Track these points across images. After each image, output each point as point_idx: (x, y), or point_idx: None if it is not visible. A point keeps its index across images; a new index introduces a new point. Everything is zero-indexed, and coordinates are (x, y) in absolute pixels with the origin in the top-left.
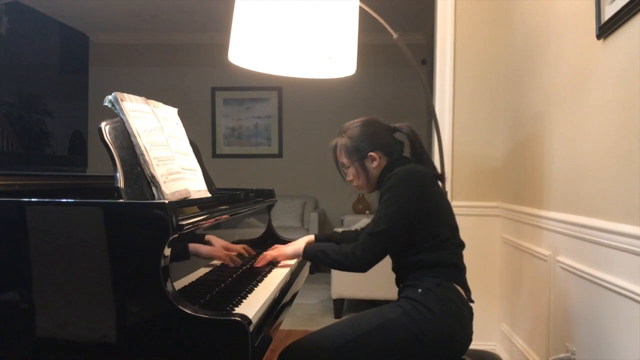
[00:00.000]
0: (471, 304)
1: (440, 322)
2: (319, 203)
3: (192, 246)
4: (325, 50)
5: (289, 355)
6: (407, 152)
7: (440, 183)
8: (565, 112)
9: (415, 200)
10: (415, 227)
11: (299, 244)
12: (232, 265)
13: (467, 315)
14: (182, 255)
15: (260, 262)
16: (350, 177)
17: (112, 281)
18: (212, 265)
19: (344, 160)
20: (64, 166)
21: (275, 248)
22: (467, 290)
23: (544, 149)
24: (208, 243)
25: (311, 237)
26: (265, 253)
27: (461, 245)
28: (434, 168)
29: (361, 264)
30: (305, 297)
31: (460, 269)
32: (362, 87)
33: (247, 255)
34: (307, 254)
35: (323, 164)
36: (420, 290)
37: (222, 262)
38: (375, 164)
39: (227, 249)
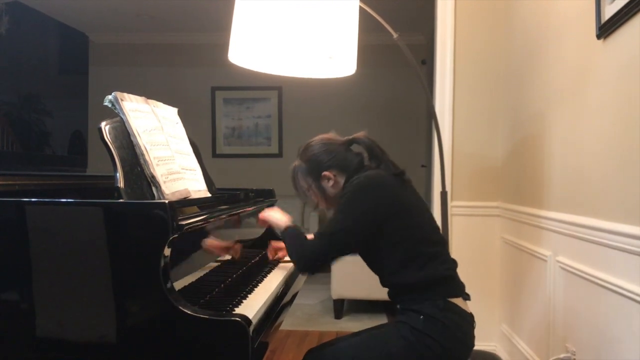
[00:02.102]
0: (471, 308)
1: (447, 352)
2: None
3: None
4: (325, 50)
5: None
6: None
7: (404, 179)
8: (565, 112)
9: (374, 209)
10: (384, 233)
11: (286, 220)
12: (235, 255)
13: (470, 331)
14: (186, 254)
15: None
16: (315, 200)
17: (112, 281)
18: (212, 265)
19: (303, 183)
20: (64, 166)
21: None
22: (462, 290)
23: (544, 149)
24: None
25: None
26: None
27: (444, 244)
28: (395, 167)
29: (304, 265)
30: (305, 297)
31: (454, 277)
32: (362, 87)
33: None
34: (282, 233)
35: None
36: (422, 317)
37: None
38: (331, 182)
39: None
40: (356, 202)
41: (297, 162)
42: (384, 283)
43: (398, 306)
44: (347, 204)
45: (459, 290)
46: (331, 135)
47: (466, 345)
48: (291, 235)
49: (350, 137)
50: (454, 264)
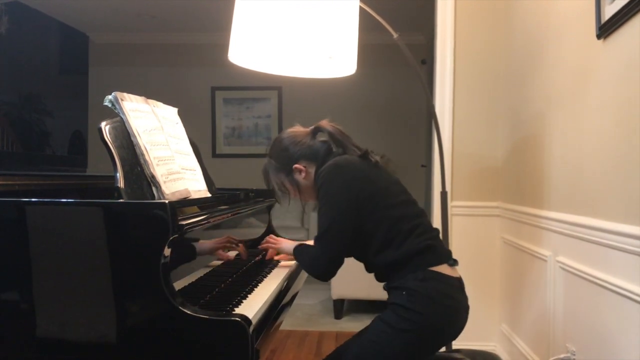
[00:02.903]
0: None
1: (434, 321)
2: None
3: (197, 245)
4: (325, 50)
5: None
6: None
7: (373, 159)
8: (565, 112)
9: (350, 189)
10: (364, 216)
11: (292, 242)
12: (241, 252)
13: (458, 295)
14: (186, 254)
15: (269, 255)
16: (293, 195)
17: (112, 281)
18: (212, 265)
19: (276, 180)
20: (64, 166)
21: (278, 241)
22: (446, 256)
23: (544, 149)
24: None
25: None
26: (269, 241)
27: (424, 215)
28: (359, 149)
29: (320, 274)
30: (305, 298)
31: (435, 246)
32: (362, 87)
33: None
34: (293, 253)
35: None
36: (404, 292)
37: (227, 252)
38: (303, 174)
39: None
40: (332, 190)
41: (267, 162)
42: (368, 269)
43: (384, 287)
44: (325, 196)
45: (443, 257)
46: (296, 127)
47: (456, 310)
48: (299, 253)
49: (313, 126)
50: (434, 232)
